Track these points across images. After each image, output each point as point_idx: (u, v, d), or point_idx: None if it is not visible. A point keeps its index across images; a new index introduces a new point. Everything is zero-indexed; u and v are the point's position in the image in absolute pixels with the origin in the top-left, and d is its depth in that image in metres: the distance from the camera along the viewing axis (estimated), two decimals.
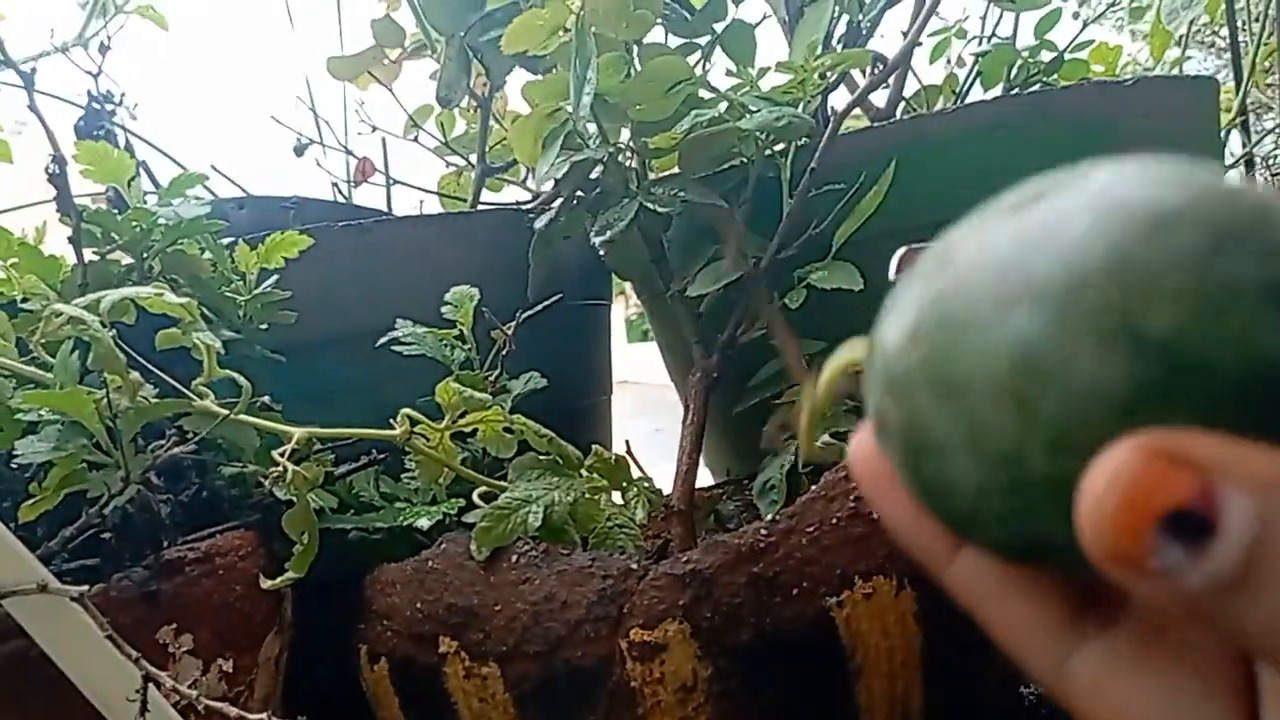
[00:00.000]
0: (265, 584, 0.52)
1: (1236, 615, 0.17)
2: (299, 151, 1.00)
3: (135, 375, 0.47)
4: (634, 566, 0.51)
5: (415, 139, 1.06)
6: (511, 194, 1.13)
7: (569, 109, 0.73)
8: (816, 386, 0.24)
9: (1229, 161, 1.11)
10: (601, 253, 0.75)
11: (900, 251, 0.29)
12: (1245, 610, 0.17)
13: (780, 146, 0.73)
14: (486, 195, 1.07)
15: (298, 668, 0.62)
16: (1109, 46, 1.09)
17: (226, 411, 0.49)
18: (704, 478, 0.94)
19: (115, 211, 0.58)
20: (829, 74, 0.77)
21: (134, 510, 0.50)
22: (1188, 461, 0.16)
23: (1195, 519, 0.16)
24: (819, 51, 0.75)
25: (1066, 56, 0.95)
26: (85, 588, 0.43)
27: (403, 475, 0.66)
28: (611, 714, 0.50)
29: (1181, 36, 1.23)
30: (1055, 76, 0.95)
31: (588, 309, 0.92)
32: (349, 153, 1.03)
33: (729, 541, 0.51)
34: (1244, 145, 1.11)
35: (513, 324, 0.65)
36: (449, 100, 0.90)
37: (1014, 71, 0.95)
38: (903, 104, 0.99)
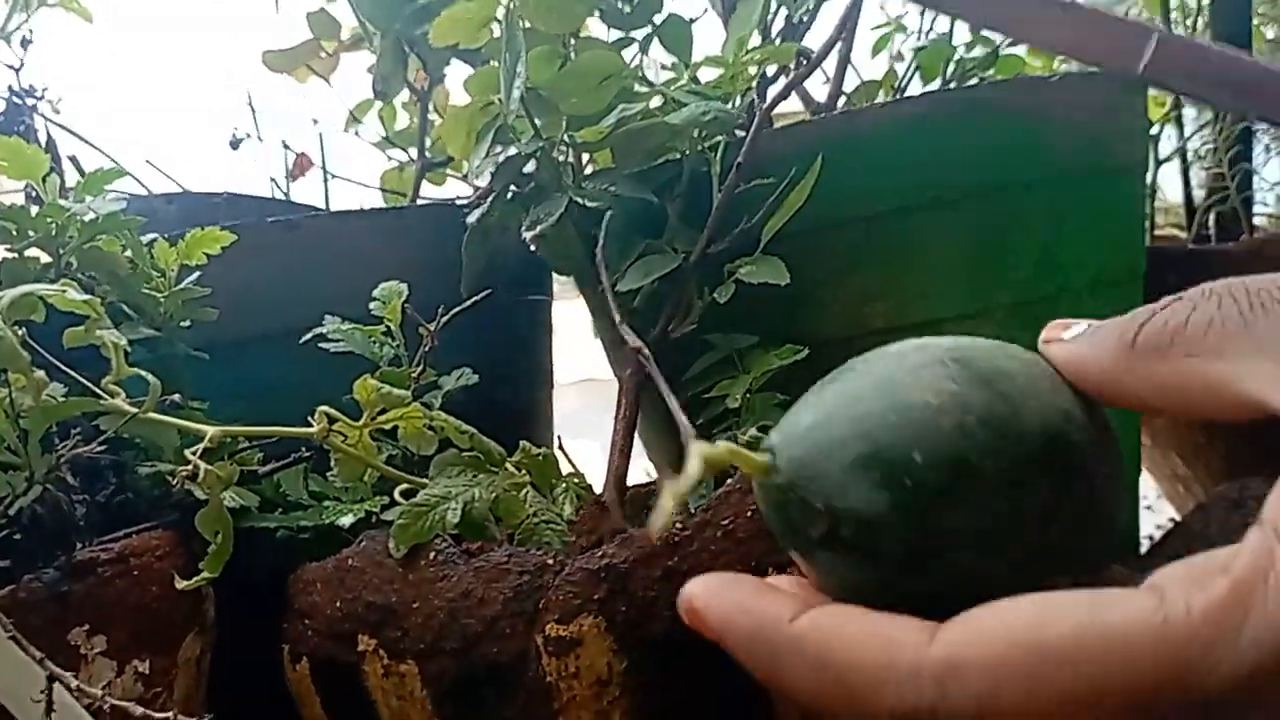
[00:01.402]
0: (180, 584, 0.52)
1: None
2: (234, 145, 1.00)
3: (40, 374, 0.46)
4: (550, 562, 0.51)
5: (356, 133, 1.06)
6: (456, 188, 1.12)
7: (500, 102, 0.72)
8: (681, 480, 0.28)
9: (1161, 157, 1.13)
10: (533, 247, 0.75)
11: None
12: None
13: (712, 141, 0.73)
14: (430, 189, 1.06)
15: (223, 668, 0.62)
16: None
17: (135, 410, 0.49)
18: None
19: (30, 208, 0.57)
20: (759, 68, 0.77)
21: (44, 511, 0.49)
22: None
23: None
24: (750, 46, 0.75)
25: (1002, 52, 0.96)
26: None
27: (329, 474, 0.66)
28: (528, 709, 0.51)
29: None
30: (991, 71, 0.97)
31: (527, 304, 0.92)
32: (287, 147, 1.02)
33: (644, 535, 0.51)
34: (1178, 140, 1.13)
35: (435, 321, 0.64)
36: (385, 94, 0.89)
37: (950, 67, 0.96)
38: (844, 98, 1.00)
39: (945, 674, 0.23)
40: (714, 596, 0.29)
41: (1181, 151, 1.13)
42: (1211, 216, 1.14)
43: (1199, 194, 1.17)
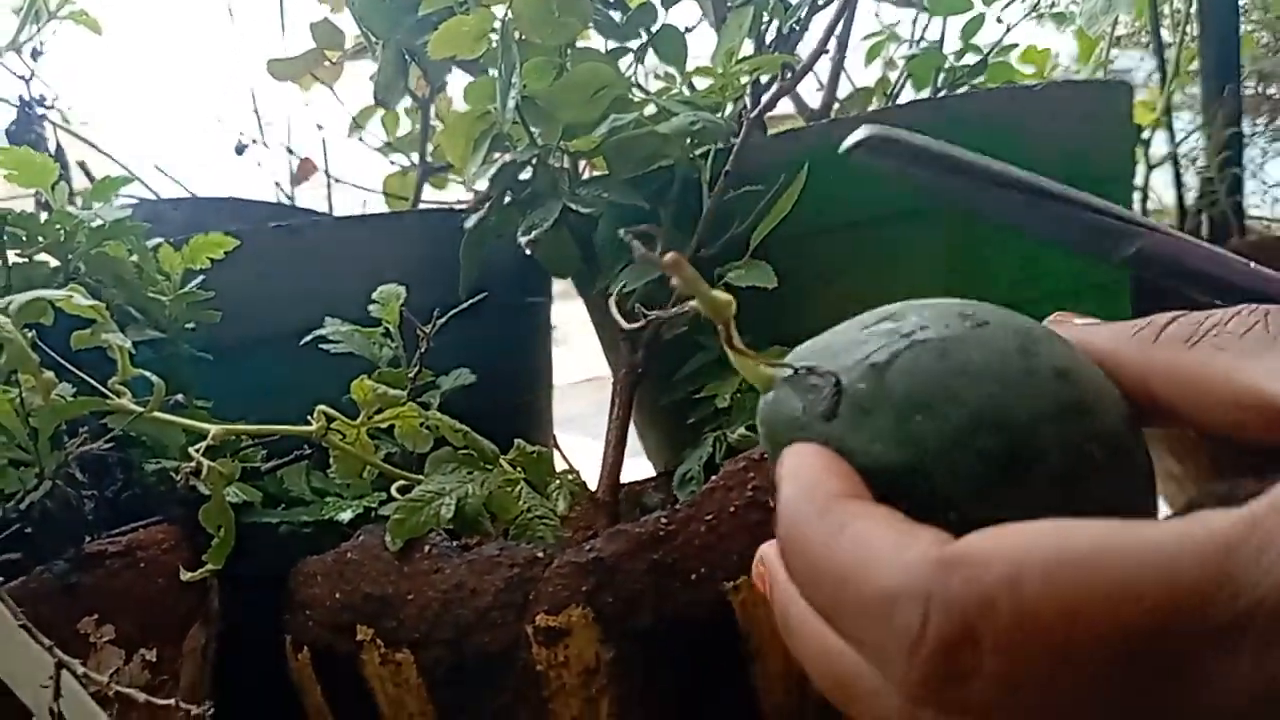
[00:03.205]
0: (185, 576, 0.54)
1: None
2: (240, 151, 1.02)
3: (49, 375, 0.48)
4: (540, 555, 0.53)
5: (360, 139, 1.08)
6: (458, 192, 1.14)
7: (497, 111, 0.74)
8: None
9: (1154, 161, 1.14)
10: (529, 252, 0.77)
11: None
12: None
13: (703, 149, 0.75)
14: (431, 194, 1.09)
15: (228, 658, 0.64)
16: (1037, 49, 1.12)
17: (141, 409, 0.51)
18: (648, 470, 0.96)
19: (40, 215, 0.59)
20: (750, 78, 0.79)
21: (54, 506, 0.51)
22: None
23: None
24: (741, 56, 0.77)
25: (991, 60, 0.97)
26: (0, 579, 0.45)
27: (328, 471, 0.68)
28: (519, 696, 0.53)
29: (1114, 39, 1.26)
30: (982, 79, 0.98)
31: (525, 307, 0.94)
32: (291, 153, 1.04)
33: (631, 530, 0.53)
34: (1169, 145, 1.14)
35: (431, 323, 0.66)
36: (386, 102, 0.92)
37: (941, 75, 0.98)
38: (837, 106, 1.02)
39: (954, 562, 0.21)
40: (800, 455, 0.27)
41: (1173, 155, 1.15)
42: (1203, 219, 1.16)
43: (1191, 197, 1.19)
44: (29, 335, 0.49)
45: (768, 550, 0.31)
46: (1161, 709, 0.20)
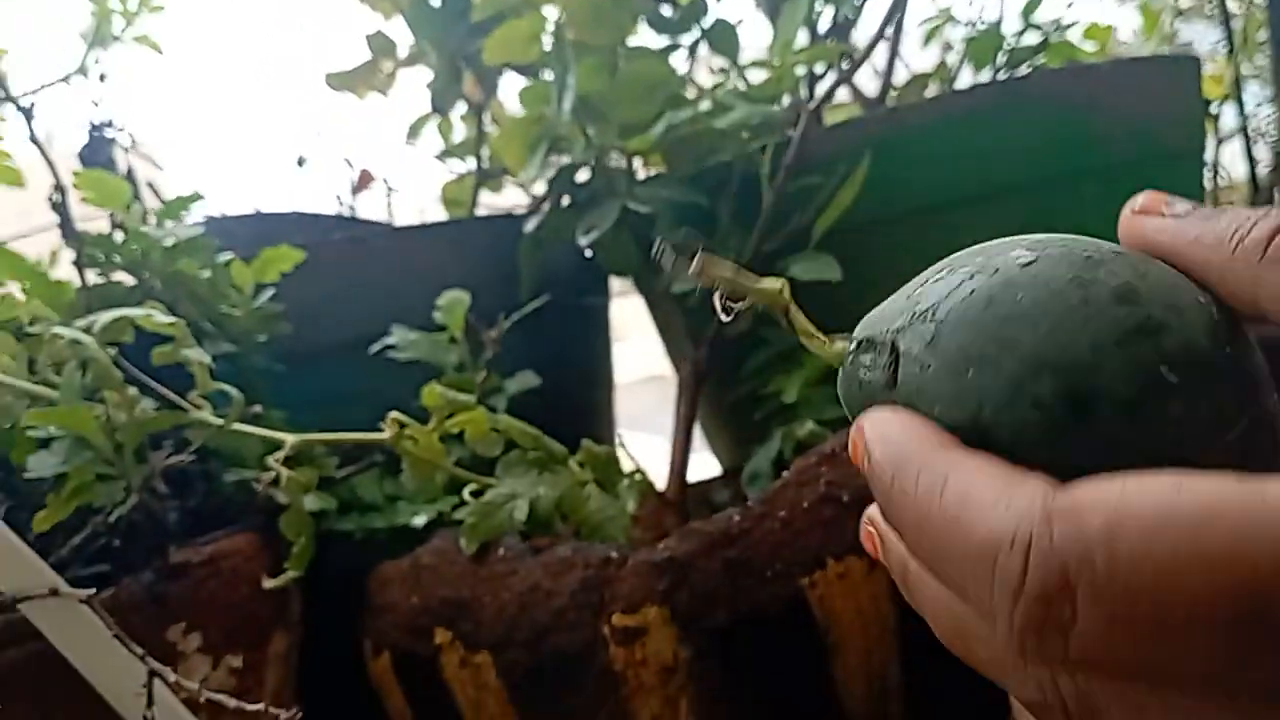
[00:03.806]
0: (267, 583, 0.55)
1: None
2: (300, 164, 1.04)
3: (133, 391, 0.50)
4: (613, 555, 0.53)
5: (415, 147, 1.09)
6: (514, 196, 1.15)
7: (553, 114, 0.75)
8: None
9: (1223, 135, 1.11)
10: (589, 253, 0.77)
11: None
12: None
13: (761, 143, 0.74)
14: (489, 199, 1.09)
15: (310, 662, 0.65)
16: (1100, 26, 1.09)
17: (221, 421, 0.52)
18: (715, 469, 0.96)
19: (116, 235, 0.61)
20: (806, 68, 0.78)
21: (139, 518, 0.53)
22: None
23: None
24: (798, 46, 0.77)
25: (1052, 39, 0.95)
26: (92, 591, 0.46)
27: (400, 476, 0.69)
28: (597, 696, 0.53)
29: (1178, 10, 1.23)
30: (1042, 59, 0.96)
31: (585, 308, 0.94)
32: (349, 164, 1.06)
33: (704, 528, 0.53)
34: (1238, 118, 1.11)
35: (496, 327, 0.67)
36: (442, 108, 0.92)
37: (1001, 56, 0.96)
38: (894, 92, 1.00)
39: (1056, 512, 0.20)
40: (880, 419, 0.27)
41: (1243, 129, 1.11)
42: (1276, 193, 1.12)
43: (1264, 171, 1.15)
44: (111, 353, 0.50)
45: (873, 511, 0.30)
46: (1266, 685, 0.19)
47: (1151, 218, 0.27)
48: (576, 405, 0.92)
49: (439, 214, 1.10)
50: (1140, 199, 0.28)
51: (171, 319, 0.49)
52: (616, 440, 0.74)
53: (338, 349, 0.78)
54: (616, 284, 1.01)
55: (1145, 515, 0.20)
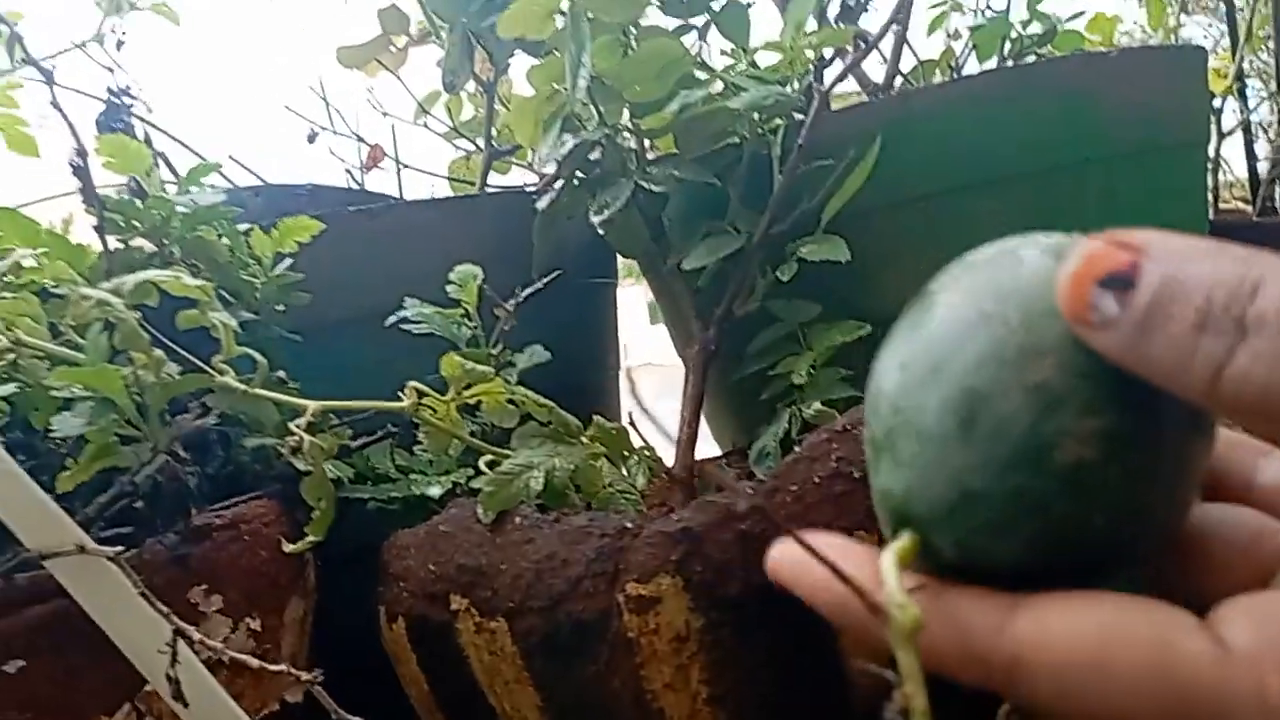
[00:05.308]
0: (288, 548, 0.56)
1: (1147, 351, 0.22)
2: (311, 139, 1.04)
3: (159, 353, 0.50)
4: (629, 525, 0.54)
5: (424, 124, 1.09)
6: (520, 176, 1.16)
7: (566, 92, 0.75)
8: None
9: (1226, 129, 1.12)
10: (601, 232, 0.78)
11: None
12: (1151, 345, 0.22)
13: (772, 125, 0.75)
14: (495, 178, 1.10)
15: (324, 629, 0.66)
16: (1105, 16, 1.10)
17: (244, 386, 0.53)
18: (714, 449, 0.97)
19: (136, 200, 0.61)
20: (816, 52, 0.79)
21: (163, 480, 0.54)
22: (1127, 244, 0.23)
23: (1124, 280, 0.22)
24: (809, 29, 0.77)
25: (1059, 28, 0.96)
26: (120, 549, 0.47)
27: (414, 449, 0.69)
28: (611, 663, 0.54)
29: (1183, 3, 1.24)
30: (1048, 48, 0.97)
31: (593, 287, 0.95)
32: (360, 140, 1.06)
33: (718, 501, 0.54)
34: (1241, 112, 1.12)
35: (512, 301, 0.68)
36: (453, 86, 0.93)
37: (1007, 44, 0.97)
38: (900, 79, 1.01)
39: (1013, 668, 0.24)
40: (798, 567, 0.28)
41: (1245, 124, 1.12)
42: (1277, 189, 1.14)
43: (1264, 167, 1.16)
44: (137, 316, 0.51)
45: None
46: None
47: (1092, 333, 0.23)
48: (583, 383, 0.93)
49: (447, 193, 1.11)
50: (1066, 294, 0.24)
51: (199, 282, 0.49)
52: (627, 418, 0.75)
53: (347, 321, 0.78)
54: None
55: (1085, 674, 0.23)
